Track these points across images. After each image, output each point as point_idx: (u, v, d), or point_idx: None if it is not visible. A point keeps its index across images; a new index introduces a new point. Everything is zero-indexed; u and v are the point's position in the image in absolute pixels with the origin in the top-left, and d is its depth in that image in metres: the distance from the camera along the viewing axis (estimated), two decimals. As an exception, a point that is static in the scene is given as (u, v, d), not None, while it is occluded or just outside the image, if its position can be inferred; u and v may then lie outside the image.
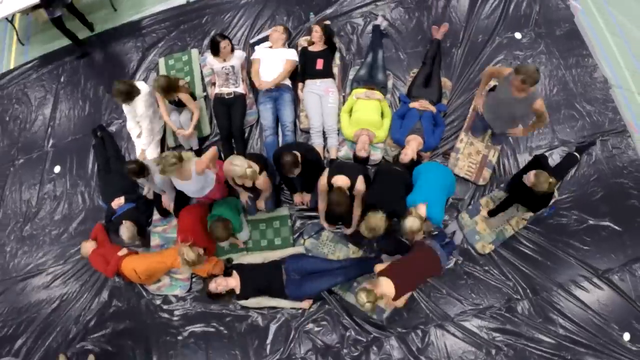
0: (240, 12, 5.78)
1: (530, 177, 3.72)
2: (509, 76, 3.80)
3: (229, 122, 4.93)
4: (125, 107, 4.80)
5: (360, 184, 4.09)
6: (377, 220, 3.70)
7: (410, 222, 3.64)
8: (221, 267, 4.38)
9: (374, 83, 4.86)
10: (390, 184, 4.16)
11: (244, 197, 4.55)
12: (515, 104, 3.89)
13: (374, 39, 5.20)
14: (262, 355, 4.32)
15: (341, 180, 4.04)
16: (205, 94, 5.36)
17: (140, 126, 4.86)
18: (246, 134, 5.13)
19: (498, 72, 4.06)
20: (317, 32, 4.91)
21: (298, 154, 4.01)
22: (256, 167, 3.92)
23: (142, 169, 4.24)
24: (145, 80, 5.55)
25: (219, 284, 4.01)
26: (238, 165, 3.83)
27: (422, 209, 3.75)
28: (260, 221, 4.69)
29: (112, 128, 5.43)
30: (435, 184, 3.99)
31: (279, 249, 4.53)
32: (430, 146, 4.52)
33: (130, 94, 4.54)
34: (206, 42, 5.68)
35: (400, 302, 3.68)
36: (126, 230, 4.44)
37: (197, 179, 4.02)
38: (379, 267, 3.72)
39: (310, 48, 5.03)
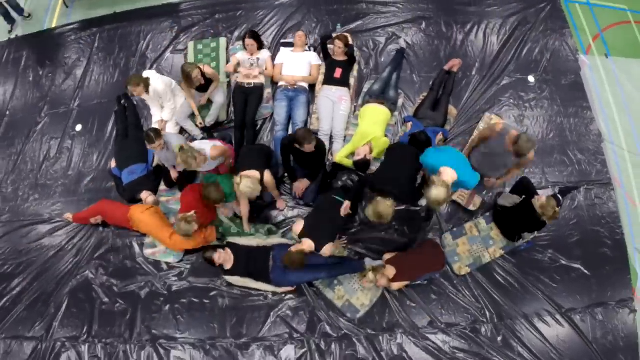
0: (273, 12, 5.79)
1: (542, 199, 3.83)
2: (503, 132, 3.82)
3: (244, 111, 4.96)
4: (146, 97, 4.83)
5: (327, 250, 3.87)
6: (387, 206, 3.56)
7: (436, 193, 3.30)
8: (213, 236, 4.45)
9: (385, 99, 4.86)
10: (400, 169, 3.95)
11: None
12: (508, 155, 3.87)
13: (396, 58, 5.19)
14: (238, 332, 4.33)
15: (307, 245, 3.85)
16: (227, 80, 5.37)
17: (163, 106, 4.92)
18: (259, 126, 5.14)
19: (491, 130, 3.98)
20: (339, 47, 4.91)
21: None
22: (257, 178, 4.02)
23: (157, 136, 4.24)
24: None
25: (222, 258, 4.09)
26: (249, 187, 3.92)
27: (447, 174, 3.40)
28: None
29: (136, 99, 5.43)
30: (456, 157, 3.70)
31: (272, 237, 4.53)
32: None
33: (146, 84, 4.63)
34: (237, 33, 5.69)
35: (396, 286, 4.02)
36: (151, 201, 4.55)
37: (210, 163, 4.18)
38: (387, 256, 4.11)
39: (333, 57, 5.04)
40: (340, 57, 4.99)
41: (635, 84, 5.37)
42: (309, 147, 4.07)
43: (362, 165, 4.41)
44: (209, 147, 4.21)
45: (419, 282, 4.32)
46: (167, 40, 5.77)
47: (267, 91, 5.22)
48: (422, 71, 5.32)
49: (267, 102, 5.19)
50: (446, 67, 5.05)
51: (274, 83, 5.22)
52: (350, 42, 5.14)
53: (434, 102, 4.80)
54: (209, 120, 5.02)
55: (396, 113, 5.02)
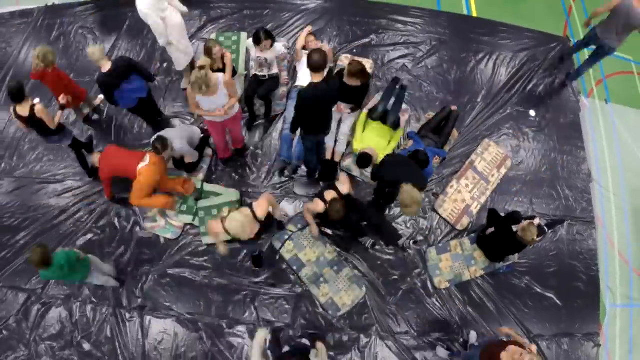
0: (299, 16, 5.79)
1: (523, 224, 3.86)
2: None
3: (256, 90, 4.81)
4: (154, 23, 4.42)
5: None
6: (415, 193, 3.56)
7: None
8: (192, 186, 4.47)
9: (385, 124, 4.72)
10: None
11: None
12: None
13: (399, 95, 4.87)
14: (222, 312, 4.33)
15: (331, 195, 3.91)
16: (245, 72, 5.36)
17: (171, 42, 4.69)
18: (270, 126, 5.12)
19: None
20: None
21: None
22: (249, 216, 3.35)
23: (164, 147, 4.07)
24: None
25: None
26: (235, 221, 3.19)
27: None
28: (212, 207, 4.59)
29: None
30: None
31: None
32: (428, 173, 4.35)
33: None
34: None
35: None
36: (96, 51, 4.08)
37: (223, 91, 3.88)
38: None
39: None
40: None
41: (630, 131, 5.37)
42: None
43: (365, 158, 4.36)
44: (221, 76, 3.85)
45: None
46: (194, 28, 5.76)
47: (282, 89, 5.21)
48: (430, 91, 5.32)
49: (281, 100, 5.18)
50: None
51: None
52: (370, 70, 5.03)
53: (439, 123, 4.78)
54: None
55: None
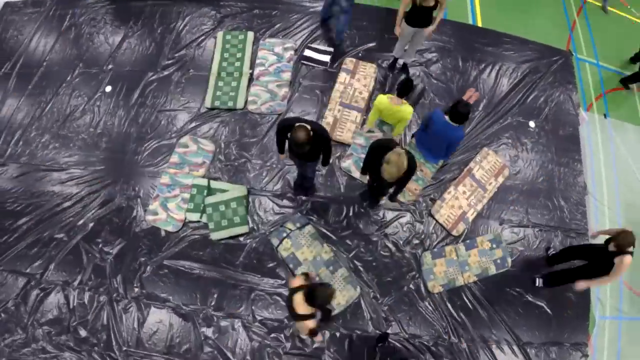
0: (306, 17, 5.81)
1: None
2: None
3: None
4: None
5: None
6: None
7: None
8: None
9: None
10: None
11: None
12: None
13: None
14: (219, 306, 4.35)
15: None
16: (250, 71, 5.38)
17: None
18: (271, 121, 5.15)
19: None
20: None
21: (309, 127, 3.45)
22: None
23: None
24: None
25: None
26: None
27: None
28: (220, 203, 4.63)
29: (165, 72, 5.44)
30: None
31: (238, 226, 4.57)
32: (460, 137, 4.25)
33: None
34: (269, 31, 5.71)
35: None
36: None
37: None
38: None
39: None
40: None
41: (627, 146, 5.40)
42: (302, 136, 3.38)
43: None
44: None
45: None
46: (203, 24, 5.78)
47: (284, 90, 5.21)
48: (433, 98, 5.34)
49: (282, 100, 5.19)
50: (469, 100, 5.07)
51: None
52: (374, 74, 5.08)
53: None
54: None
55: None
